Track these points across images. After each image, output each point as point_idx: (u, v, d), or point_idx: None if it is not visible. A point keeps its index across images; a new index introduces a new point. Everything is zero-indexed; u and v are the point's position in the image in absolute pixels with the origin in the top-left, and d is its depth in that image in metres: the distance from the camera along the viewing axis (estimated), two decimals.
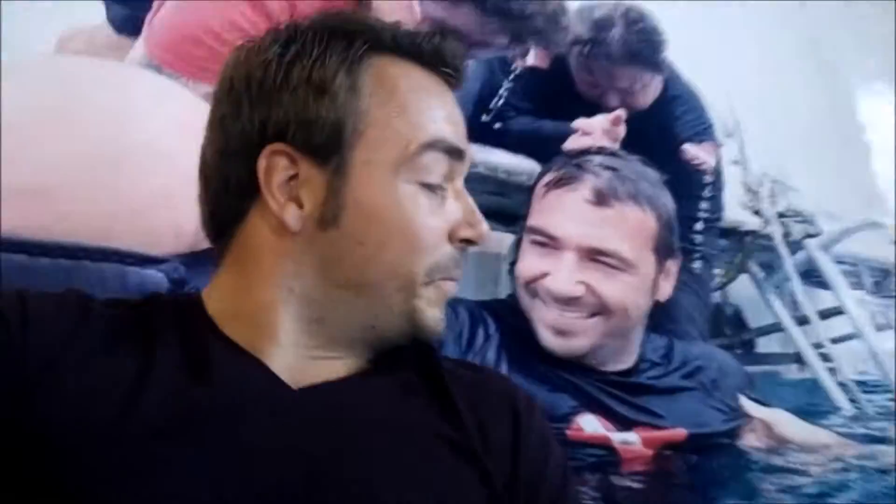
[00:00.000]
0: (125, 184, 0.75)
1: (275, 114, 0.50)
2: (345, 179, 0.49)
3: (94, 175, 0.73)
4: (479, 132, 0.99)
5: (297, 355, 0.50)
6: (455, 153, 0.51)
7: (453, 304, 0.84)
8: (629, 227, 0.89)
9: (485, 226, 0.51)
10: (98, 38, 0.87)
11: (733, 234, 1.15)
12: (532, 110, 1.06)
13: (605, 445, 0.83)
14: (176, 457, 0.44)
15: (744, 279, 1.15)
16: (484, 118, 1.03)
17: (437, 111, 0.51)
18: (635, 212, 0.90)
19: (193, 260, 0.77)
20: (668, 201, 0.94)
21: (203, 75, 0.86)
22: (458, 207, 0.51)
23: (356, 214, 0.49)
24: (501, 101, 1.04)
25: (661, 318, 0.92)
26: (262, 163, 0.49)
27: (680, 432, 0.86)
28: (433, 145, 0.49)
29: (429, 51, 0.52)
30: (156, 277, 0.76)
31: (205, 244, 0.75)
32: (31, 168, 0.70)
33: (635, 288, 0.88)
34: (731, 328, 1.02)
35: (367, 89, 0.50)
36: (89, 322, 0.48)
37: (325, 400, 0.49)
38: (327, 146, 0.49)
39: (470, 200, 0.52)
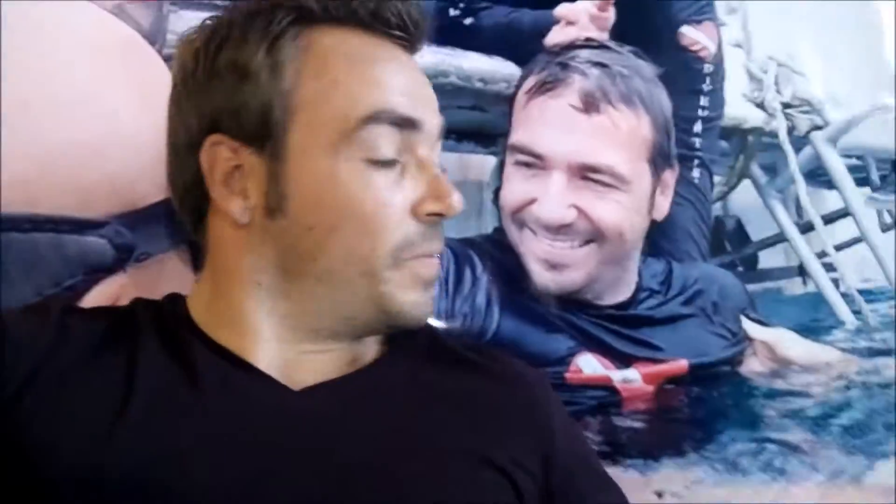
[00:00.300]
0: (38, 133, 0.65)
1: (207, 104, 0.49)
2: (283, 165, 0.47)
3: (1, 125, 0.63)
4: (447, 31, 0.88)
5: (284, 352, 0.49)
6: (405, 123, 0.48)
7: None
8: (622, 136, 0.85)
9: (455, 196, 0.48)
10: None
11: (734, 133, 1.05)
12: None
13: (606, 385, 0.81)
14: (175, 480, 0.43)
15: (745, 185, 1.07)
16: (452, 13, 0.89)
17: (380, 79, 0.48)
18: (628, 117, 0.85)
19: (135, 219, 0.69)
20: (664, 100, 0.89)
21: None
22: (421, 180, 0.48)
23: (301, 200, 0.48)
24: None
25: (657, 238, 0.90)
26: (203, 156, 0.49)
27: (681, 364, 0.87)
28: (375, 118, 0.47)
29: (365, 14, 0.49)
30: (98, 245, 0.69)
31: (146, 200, 0.69)
32: None
33: (631, 207, 0.85)
34: (733, 243, 0.97)
35: (293, 66, 0.47)
36: (69, 339, 0.47)
37: (329, 400, 0.48)
38: (259, 132, 0.48)
39: (436, 171, 0.49)
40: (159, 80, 0.76)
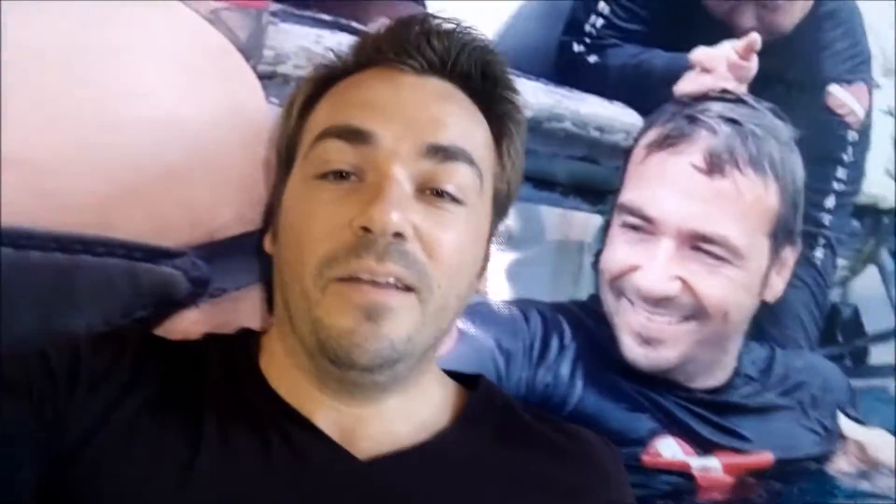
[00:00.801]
0: (120, 153, 0.60)
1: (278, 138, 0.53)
2: (284, 193, 0.49)
3: (79, 141, 0.60)
4: (568, 69, 0.79)
5: (339, 408, 0.46)
6: (355, 136, 0.45)
7: (524, 309, 0.73)
8: (744, 205, 0.78)
9: (382, 208, 0.42)
10: None
11: (868, 212, 0.95)
12: (641, 34, 0.83)
13: (683, 472, 0.76)
14: None
15: (869, 271, 0.98)
16: (576, 48, 0.80)
17: (347, 98, 0.48)
18: (755, 184, 0.78)
19: (213, 252, 0.65)
20: (797, 168, 0.81)
21: None
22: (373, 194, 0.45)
23: (282, 222, 0.48)
24: (600, 23, 0.81)
25: (764, 321, 0.82)
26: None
27: (766, 457, 0.81)
28: (325, 133, 0.46)
29: (372, 53, 0.49)
30: (172, 276, 0.65)
31: (226, 232, 0.65)
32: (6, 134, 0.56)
33: (741, 285, 0.78)
34: (846, 333, 0.90)
35: (316, 107, 0.49)
36: (141, 381, 0.46)
37: (396, 474, 0.45)
38: (284, 164, 0.50)
39: (385, 182, 0.43)
40: (251, 102, 0.71)
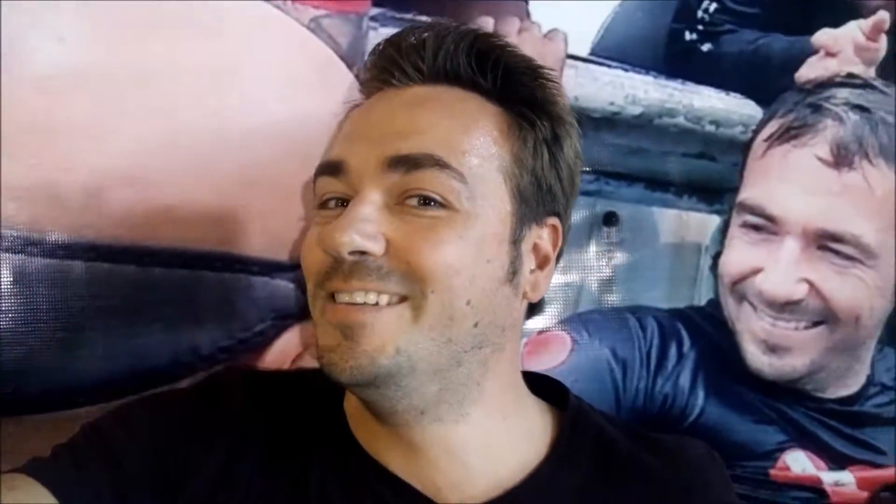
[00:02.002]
0: (233, 168, 0.62)
1: None
2: None
3: (193, 158, 0.61)
4: (680, 59, 0.75)
5: (395, 445, 0.45)
6: (333, 169, 0.46)
7: (640, 316, 0.71)
8: (875, 200, 0.72)
9: (331, 233, 0.42)
10: None
11: None
12: (758, 18, 0.79)
13: (814, 487, 0.73)
14: None
15: None
16: (688, 37, 0.77)
17: (336, 138, 0.49)
18: (886, 176, 0.73)
19: None
20: None
21: None
22: None
23: None
24: (713, 7, 0.77)
25: None
26: None
27: None
28: (317, 171, 0.47)
29: (369, 81, 0.50)
30: (286, 290, 0.66)
31: None
32: (118, 149, 0.58)
33: (874, 287, 0.73)
34: None
35: None
36: (250, 438, 0.46)
37: None
38: None
39: (351, 207, 0.44)
40: None
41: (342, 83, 0.66)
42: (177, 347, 0.60)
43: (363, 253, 0.42)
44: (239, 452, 0.46)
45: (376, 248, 0.42)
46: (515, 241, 0.44)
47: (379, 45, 0.49)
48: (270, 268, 0.64)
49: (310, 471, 0.45)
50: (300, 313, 0.64)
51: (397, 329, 0.42)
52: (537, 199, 0.45)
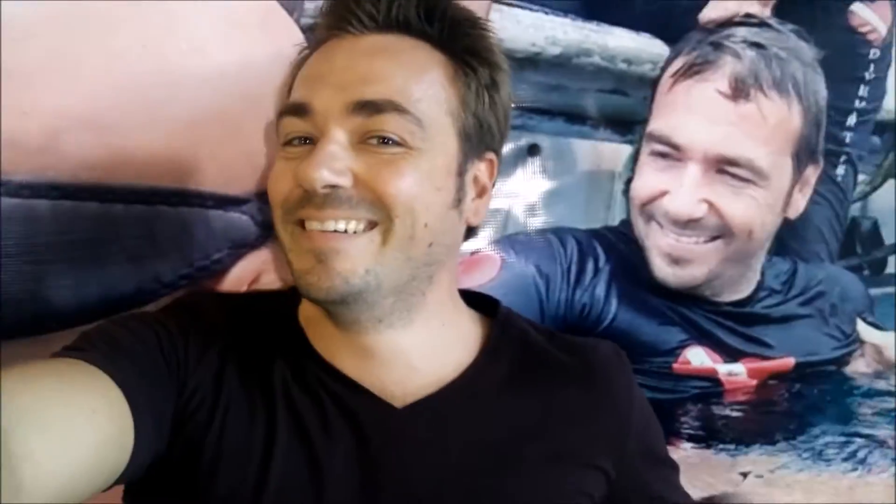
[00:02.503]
0: (182, 110, 0.66)
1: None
2: None
3: (146, 101, 0.65)
4: (595, 3, 0.81)
5: (363, 358, 0.52)
6: (297, 109, 0.51)
7: (561, 235, 0.79)
8: (769, 128, 0.80)
9: (306, 169, 0.48)
10: None
11: (889, 127, 0.99)
12: None
13: (711, 377, 0.85)
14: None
15: (888, 185, 1.02)
16: None
17: (298, 78, 0.54)
18: (778, 106, 0.80)
19: None
20: (820, 88, 0.83)
21: None
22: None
23: None
24: None
25: (787, 236, 0.87)
26: None
27: (787, 362, 0.87)
28: (281, 112, 0.53)
29: (325, 27, 0.54)
30: (241, 221, 0.71)
31: None
32: (74, 94, 0.62)
33: (765, 205, 0.82)
34: (865, 245, 0.94)
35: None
36: (227, 369, 0.52)
37: (429, 417, 0.51)
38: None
39: (320, 145, 0.50)
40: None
41: (283, 28, 0.71)
42: (141, 276, 0.65)
43: (334, 186, 0.48)
44: (225, 359, 0.52)
45: (346, 181, 0.48)
46: (461, 174, 0.51)
47: None
48: (224, 201, 0.69)
49: (273, 375, 0.51)
50: (254, 242, 0.70)
51: (367, 253, 0.48)
52: (478, 138, 0.52)
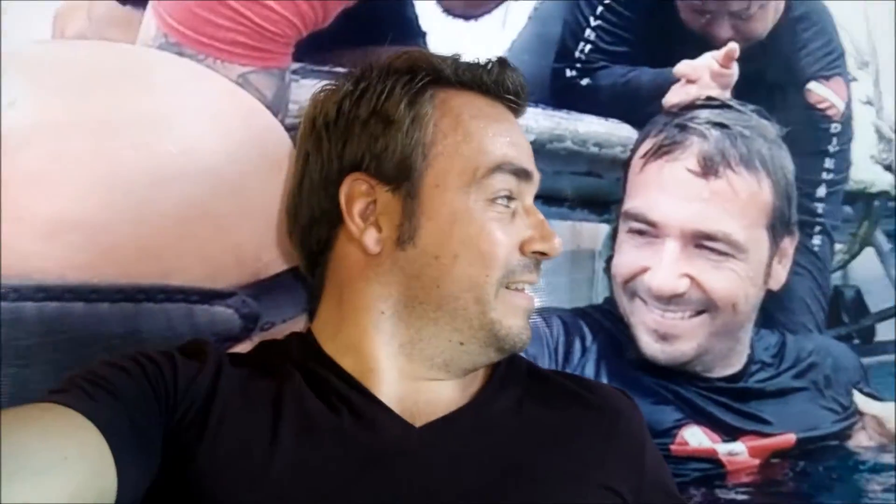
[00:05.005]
0: (170, 207, 0.72)
1: (350, 146, 0.59)
2: (417, 202, 0.58)
3: (136, 199, 0.71)
4: (563, 93, 0.91)
5: (401, 384, 0.57)
6: (522, 174, 0.59)
7: (546, 317, 0.84)
8: (741, 202, 0.87)
9: (557, 240, 0.59)
10: (97, 9, 0.79)
11: (859, 197, 1.07)
12: (627, 55, 0.97)
13: (711, 458, 0.87)
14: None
15: (867, 253, 1.09)
16: (568, 73, 0.94)
17: (501, 136, 0.59)
18: (749, 181, 0.87)
19: (260, 289, 0.76)
20: (787, 163, 0.91)
21: (233, 53, 0.79)
22: (529, 223, 0.59)
23: (431, 232, 0.57)
24: (588, 48, 0.95)
25: (772, 309, 0.92)
26: (343, 191, 0.59)
27: (789, 438, 0.89)
28: (501, 167, 0.58)
29: (489, 81, 0.61)
30: (225, 315, 0.76)
31: (270, 270, 0.76)
32: (67, 197, 0.68)
33: (746, 277, 0.87)
34: (851, 314, 1.00)
35: (432, 120, 0.59)
36: (221, 381, 0.55)
37: (445, 436, 0.55)
38: (398, 174, 0.58)
39: (541, 216, 0.60)
40: (281, 150, 0.84)
41: (267, 128, 0.79)
42: None
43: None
44: (220, 374, 0.55)
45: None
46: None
47: (494, 60, 0.62)
48: (209, 296, 0.73)
49: (282, 382, 0.55)
50: (238, 335, 0.74)
51: None
52: None
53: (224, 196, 0.74)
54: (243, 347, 0.74)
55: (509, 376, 0.61)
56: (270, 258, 0.75)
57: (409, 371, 0.57)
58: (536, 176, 0.61)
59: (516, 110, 0.63)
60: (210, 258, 0.75)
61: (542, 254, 0.58)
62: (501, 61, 0.61)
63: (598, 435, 0.58)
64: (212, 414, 0.52)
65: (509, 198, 0.58)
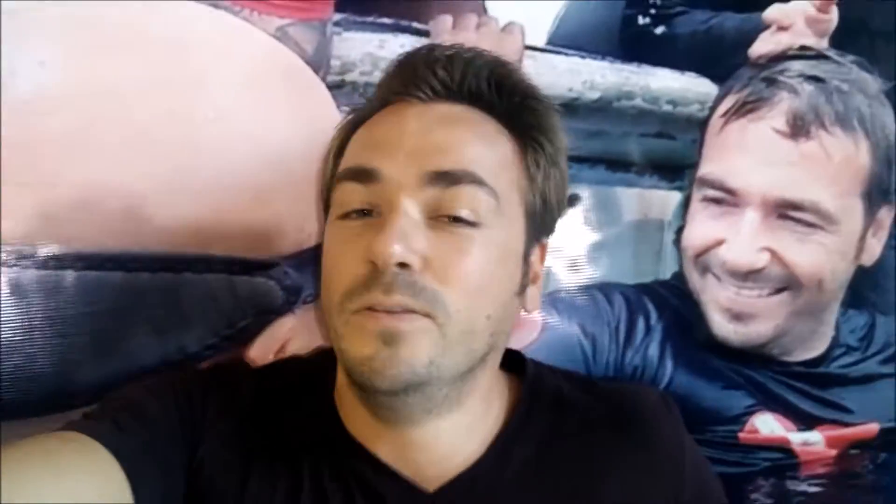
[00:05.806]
0: (209, 177, 0.70)
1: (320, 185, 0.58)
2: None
3: (172, 168, 0.69)
4: (635, 43, 0.83)
5: (388, 437, 0.52)
6: (362, 175, 0.50)
7: (608, 292, 0.79)
8: (834, 167, 0.79)
9: (383, 241, 0.46)
10: None
11: None
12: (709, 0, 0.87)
13: (783, 447, 0.82)
14: None
15: None
16: (641, 21, 0.85)
17: (361, 141, 0.53)
18: (844, 143, 0.79)
19: (302, 260, 0.74)
20: (889, 122, 0.82)
21: (271, 3, 0.74)
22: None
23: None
24: None
25: (863, 287, 0.84)
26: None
27: (871, 428, 0.83)
28: (341, 178, 0.52)
29: (388, 93, 0.54)
30: (267, 286, 0.74)
31: (312, 241, 0.74)
32: (101, 163, 0.66)
33: (835, 251, 0.80)
34: None
35: (344, 153, 0.54)
36: (246, 430, 0.53)
37: (465, 498, 0.51)
38: (325, 211, 0.55)
39: (391, 215, 0.48)
40: (324, 113, 0.80)
41: (309, 87, 0.74)
42: (165, 347, 0.68)
43: (404, 266, 0.46)
44: (246, 431, 0.53)
45: (417, 263, 0.47)
46: (525, 257, 0.52)
47: (404, 56, 0.54)
48: (250, 267, 0.72)
49: (303, 461, 0.52)
50: (280, 308, 0.72)
51: (430, 341, 0.47)
52: (541, 218, 0.53)
53: (264, 163, 0.71)
54: (286, 322, 0.73)
55: (532, 412, 0.55)
56: (313, 228, 0.73)
57: (388, 419, 0.51)
58: (398, 170, 0.49)
59: (434, 97, 0.52)
60: (251, 228, 0.73)
61: (373, 263, 0.47)
62: (410, 55, 0.54)
63: (633, 466, 0.54)
64: (234, 474, 0.51)
65: (366, 211, 0.49)
